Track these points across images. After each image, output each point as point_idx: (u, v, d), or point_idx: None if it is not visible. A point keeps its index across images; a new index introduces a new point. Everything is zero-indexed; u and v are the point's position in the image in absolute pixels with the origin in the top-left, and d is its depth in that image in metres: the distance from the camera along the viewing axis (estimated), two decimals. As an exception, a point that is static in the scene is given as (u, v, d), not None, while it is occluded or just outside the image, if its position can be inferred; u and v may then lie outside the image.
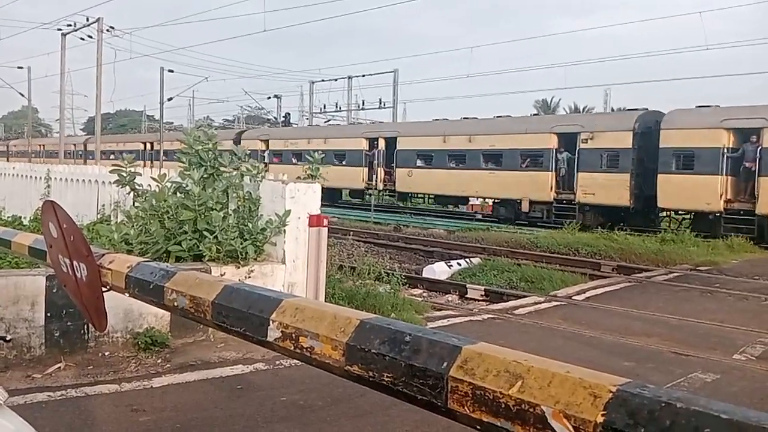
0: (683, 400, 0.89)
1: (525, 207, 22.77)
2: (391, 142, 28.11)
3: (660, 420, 0.87)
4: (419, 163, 26.88)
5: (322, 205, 6.94)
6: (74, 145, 50.29)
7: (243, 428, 4.14)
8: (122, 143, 47.12)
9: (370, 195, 28.66)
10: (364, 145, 29.25)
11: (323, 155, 8.06)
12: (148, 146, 43.12)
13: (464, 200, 27.58)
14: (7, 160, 38.55)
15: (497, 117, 25.31)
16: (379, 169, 28.47)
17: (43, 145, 56.16)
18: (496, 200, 25.10)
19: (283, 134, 35.67)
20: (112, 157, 35.11)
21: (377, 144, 28.86)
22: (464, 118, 26.86)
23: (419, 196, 30.78)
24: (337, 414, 4.43)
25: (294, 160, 30.66)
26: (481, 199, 27.62)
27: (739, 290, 10.45)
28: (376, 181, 28.51)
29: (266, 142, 34.44)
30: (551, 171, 22.18)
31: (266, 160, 32.76)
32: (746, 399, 5.11)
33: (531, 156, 22.88)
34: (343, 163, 29.20)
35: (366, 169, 29.00)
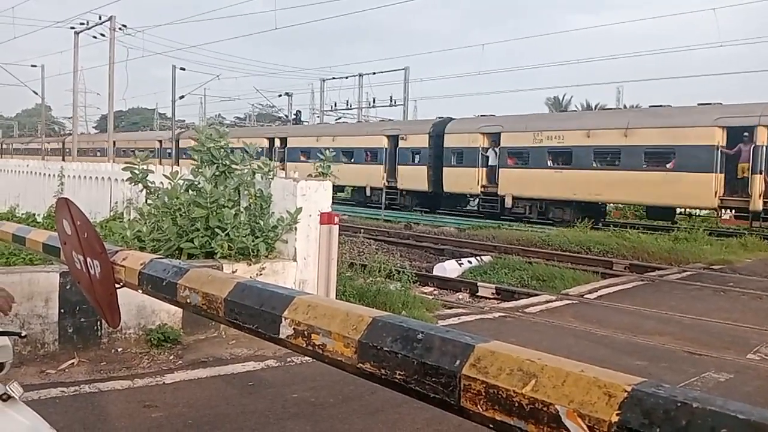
0: (699, 399, 0.88)
1: None
2: None
3: (675, 420, 0.87)
4: None
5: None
6: (159, 141, 41.92)
7: (254, 425, 4.15)
8: (248, 139, 37.81)
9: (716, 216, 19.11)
10: (715, 137, 18.47)
11: (334, 153, 8.03)
12: (277, 142, 33.12)
13: None
14: (62, 159, 37.26)
15: None
16: (756, 177, 17.95)
17: (114, 142, 44.85)
18: None
19: (530, 124, 23.18)
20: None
21: (753, 136, 17.91)
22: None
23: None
24: (348, 411, 4.44)
25: (551, 162, 22.05)
26: None
27: (752, 289, 10.35)
28: (752, 194, 18.05)
29: (492, 136, 24.16)
30: None
31: (492, 162, 23.99)
32: (761, 399, 5.07)
33: None
34: (667, 165, 19.24)
35: (720, 177, 18.57)
